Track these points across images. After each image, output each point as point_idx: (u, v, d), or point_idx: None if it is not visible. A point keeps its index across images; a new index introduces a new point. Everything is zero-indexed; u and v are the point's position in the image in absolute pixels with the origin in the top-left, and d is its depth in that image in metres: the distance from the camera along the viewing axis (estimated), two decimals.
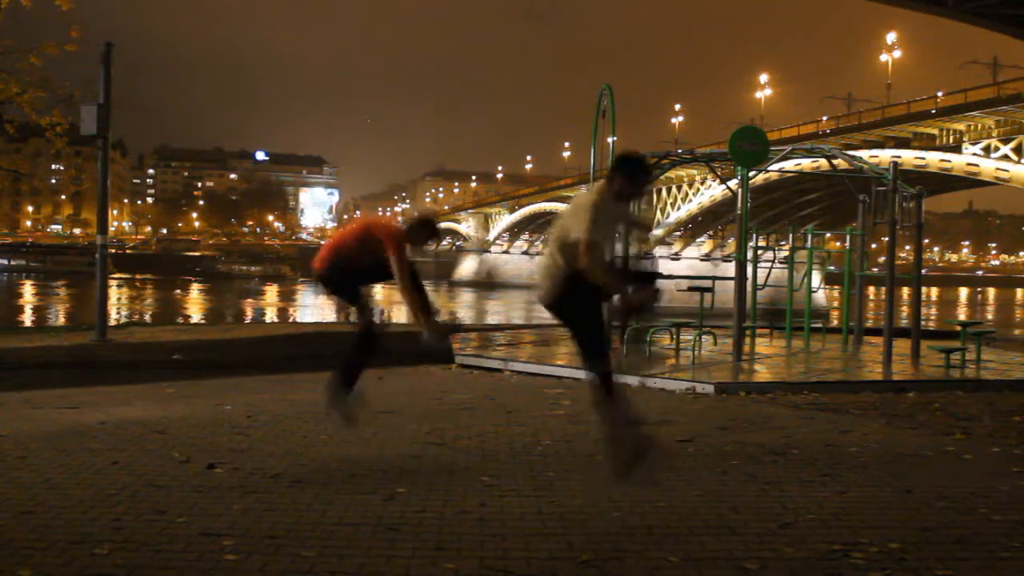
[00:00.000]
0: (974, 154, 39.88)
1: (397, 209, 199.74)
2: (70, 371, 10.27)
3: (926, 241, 17.41)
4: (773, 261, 14.62)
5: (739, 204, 11.33)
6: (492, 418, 6.72)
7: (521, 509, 4.47)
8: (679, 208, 57.18)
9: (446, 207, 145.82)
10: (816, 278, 15.03)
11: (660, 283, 4.81)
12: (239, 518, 4.22)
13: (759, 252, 14.39)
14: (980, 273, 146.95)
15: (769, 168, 14.87)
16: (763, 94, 64.52)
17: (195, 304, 53.12)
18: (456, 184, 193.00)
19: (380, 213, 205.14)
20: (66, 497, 4.54)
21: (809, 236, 15.67)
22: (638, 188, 4.51)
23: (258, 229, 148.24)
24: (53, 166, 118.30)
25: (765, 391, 8.83)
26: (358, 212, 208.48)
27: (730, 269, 13.72)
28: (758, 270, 13.74)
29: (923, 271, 12.71)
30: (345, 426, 5.62)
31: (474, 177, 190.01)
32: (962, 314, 58.04)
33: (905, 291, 16.78)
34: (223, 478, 5.00)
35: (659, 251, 58.79)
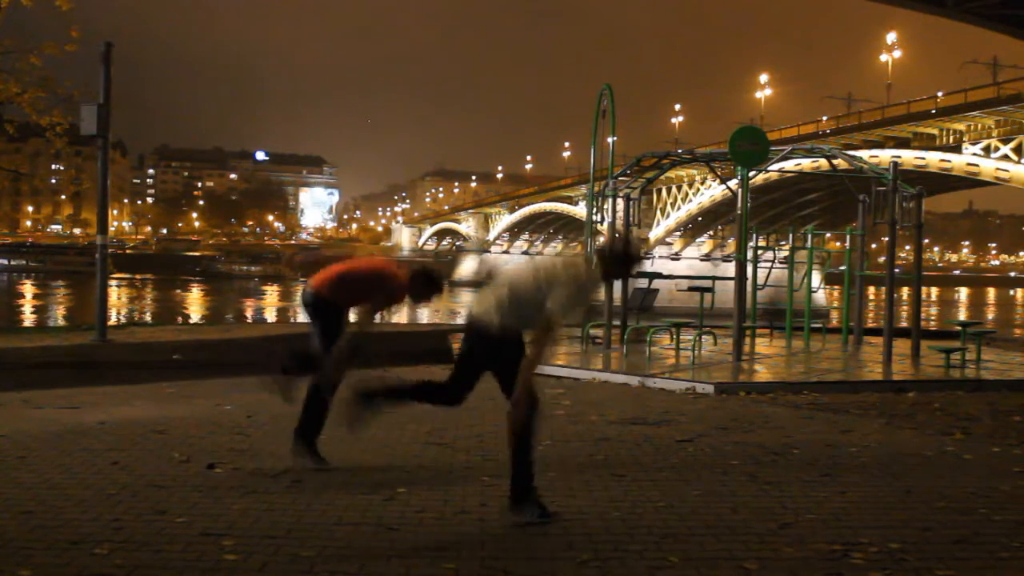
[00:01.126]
0: (974, 154, 39.81)
1: (397, 209, 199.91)
2: (70, 371, 10.30)
3: (926, 241, 17.40)
4: (773, 261, 14.65)
5: (739, 204, 11.33)
6: (492, 418, 6.70)
7: None
8: (679, 208, 57.09)
9: (446, 207, 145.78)
10: (816, 278, 15.03)
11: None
12: (239, 518, 4.22)
13: (759, 252, 14.40)
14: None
15: (769, 168, 14.86)
16: (763, 94, 64.40)
17: (195, 304, 53.09)
18: (456, 184, 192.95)
19: (380, 213, 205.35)
20: (66, 497, 4.54)
21: (809, 236, 15.67)
22: (622, 275, 4.50)
23: (258, 229, 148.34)
24: (53, 166, 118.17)
25: (765, 391, 8.83)
26: (358, 212, 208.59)
27: (730, 269, 13.74)
28: (758, 270, 13.75)
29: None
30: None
31: (474, 177, 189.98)
32: (962, 314, 58.01)
33: (905, 291, 16.78)
34: (223, 478, 5.00)
35: (659, 251, 58.75)
